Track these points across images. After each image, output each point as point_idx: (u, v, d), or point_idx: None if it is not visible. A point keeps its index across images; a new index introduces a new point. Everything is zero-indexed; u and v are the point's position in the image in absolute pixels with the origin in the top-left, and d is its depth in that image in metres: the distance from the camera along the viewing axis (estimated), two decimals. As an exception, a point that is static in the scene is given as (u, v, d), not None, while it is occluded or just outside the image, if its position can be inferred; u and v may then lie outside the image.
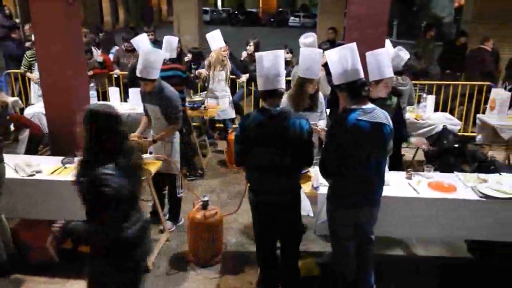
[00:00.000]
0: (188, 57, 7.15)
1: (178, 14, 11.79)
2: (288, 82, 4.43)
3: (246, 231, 4.30)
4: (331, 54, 2.88)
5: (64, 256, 3.80)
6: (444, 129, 5.35)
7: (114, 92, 6.37)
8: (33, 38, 5.53)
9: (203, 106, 6.05)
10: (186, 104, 5.73)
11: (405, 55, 4.82)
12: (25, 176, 3.64)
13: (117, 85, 7.13)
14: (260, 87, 2.93)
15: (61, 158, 3.89)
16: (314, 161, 3.29)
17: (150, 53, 3.86)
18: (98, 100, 6.68)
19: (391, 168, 3.80)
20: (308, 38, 5.30)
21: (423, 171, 3.76)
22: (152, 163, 3.91)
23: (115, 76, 7.28)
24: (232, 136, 5.32)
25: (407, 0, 28.72)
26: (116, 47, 8.40)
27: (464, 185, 3.47)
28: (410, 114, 5.55)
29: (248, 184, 3.11)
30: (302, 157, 2.93)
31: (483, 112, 6.35)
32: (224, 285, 3.59)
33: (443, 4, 30.52)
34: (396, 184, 3.47)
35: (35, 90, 6.88)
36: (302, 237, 3.29)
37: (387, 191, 3.22)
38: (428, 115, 5.73)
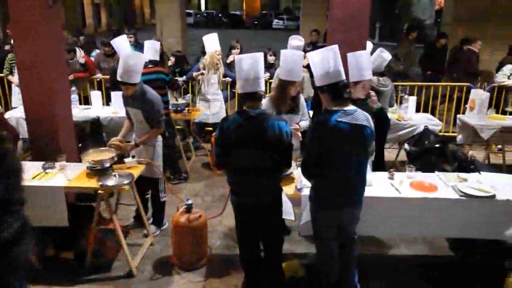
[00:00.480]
0: (172, 60, 7.12)
1: (160, 17, 11.70)
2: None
3: (231, 233, 4.29)
4: (313, 55, 2.90)
5: (46, 263, 3.77)
6: (426, 129, 5.44)
7: (96, 96, 6.31)
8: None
9: (186, 109, 6.04)
10: (170, 107, 5.70)
11: (387, 56, 4.93)
12: (5, 182, 3.57)
13: (99, 88, 7.06)
14: (240, 90, 2.94)
15: (42, 163, 3.83)
16: (297, 163, 3.31)
17: (131, 56, 3.82)
18: (80, 104, 6.60)
19: (374, 169, 3.85)
20: (297, 41, 5.35)
21: (405, 171, 3.81)
22: (135, 167, 3.88)
23: (97, 79, 7.21)
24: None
25: (389, 2, 29.12)
26: (97, 51, 8.30)
27: (445, 184, 3.52)
28: (392, 115, 5.61)
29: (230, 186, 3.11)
30: (281, 159, 2.95)
31: (463, 113, 6.47)
32: (209, 288, 3.58)
33: (424, 7, 31.03)
34: (378, 185, 3.50)
35: (15, 93, 6.77)
36: (286, 238, 3.30)
37: (369, 192, 3.26)
38: (409, 116, 5.81)
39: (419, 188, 3.44)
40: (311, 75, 4.71)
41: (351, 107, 2.83)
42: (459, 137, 6.22)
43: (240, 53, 6.55)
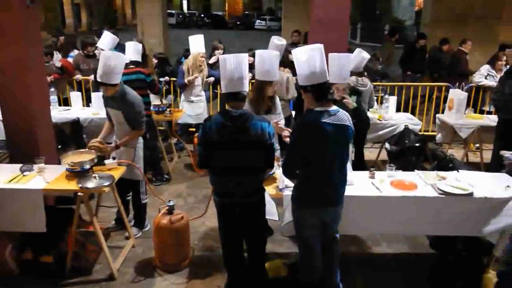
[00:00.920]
0: (154, 62, 7.07)
1: (141, 18, 11.60)
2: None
3: (213, 234, 4.27)
4: (298, 54, 2.83)
5: (25, 267, 3.70)
6: (406, 129, 5.52)
7: (76, 97, 6.22)
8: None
9: (168, 109, 6.00)
10: (151, 108, 5.66)
11: (366, 55, 5.05)
12: (-19, 185, 3.49)
13: (79, 89, 6.95)
14: (223, 89, 2.93)
15: (19, 165, 3.76)
16: (278, 163, 3.31)
17: (111, 57, 3.76)
18: (59, 105, 6.49)
19: (355, 169, 3.88)
20: (277, 40, 5.38)
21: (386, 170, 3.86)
22: (115, 169, 3.83)
23: (77, 80, 7.09)
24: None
25: (370, 4, 29.48)
26: (76, 51, 8.14)
27: (424, 183, 3.57)
28: (373, 115, 5.68)
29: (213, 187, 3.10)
30: (264, 159, 2.95)
31: (443, 112, 6.58)
32: (191, 290, 3.57)
33: (404, 8, 31.51)
34: (360, 184, 3.54)
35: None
36: (269, 238, 3.30)
37: (351, 191, 3.28)
38: (390, 115, 5.88)
39: (399, 187, 3.49)
40: (294, 75, 4.74)
41: (333, 108, 2.84)
42: (438, 136, 6.34)
43: (224, 53, 6.53)
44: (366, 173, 3.75)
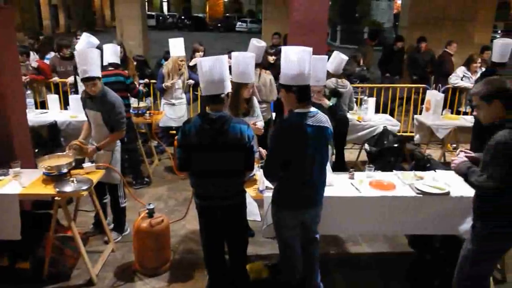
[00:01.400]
0: (134, 64, 7.00)
1: (120, 19, 11.44)
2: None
3: (194, 237, 4.25)
4: (290, 54, 2.82)
5: (0, 274, 3.61)
6: (385, 130, 5.60)
7: (53, 100, 6.11)
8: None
9: (148, 112, 5.95)
10: (131, 110, 5.60)
11: (345, 56, 5.14)
12: (-46, 190, 3.40)
13: (56, 92, 6.83)
14: (203, 92, 2.92)
15: (-6, 170, 3.67)
16: (259, 165, 3.31)
17: (84, 52, 3.82)
18: (36, 108, 6.37)
19: (335, 170, 3.92)
20: (256, 42, 5.39)
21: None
22: (94, 172, 3.78)
23: (54, 83, 6.97)
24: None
25: (350, 6, 29.81)
26: (53, 53, 8.01)
27: (402, 183, 3.63)
28: (352, 116, 5.75)
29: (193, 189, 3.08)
30: (243, 161, 2.95)
31: (420, 113, 6.70)
32: (172, 293, 3.54)
33: (383, 11, 31.99)
34: (339, 185, 3.57)
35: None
36: (250, 240, 3.30)
37: (331, 192, 3.32)
38: (369, 116, 5.95)
39: (378, 187, 3.53)
40: (276, 78, 4.75)
41: (313, 109, 2.86)
42: (416, 137, 6.45)
43: (204, 55, 6.50)
44: (346, 174, 3.78)
